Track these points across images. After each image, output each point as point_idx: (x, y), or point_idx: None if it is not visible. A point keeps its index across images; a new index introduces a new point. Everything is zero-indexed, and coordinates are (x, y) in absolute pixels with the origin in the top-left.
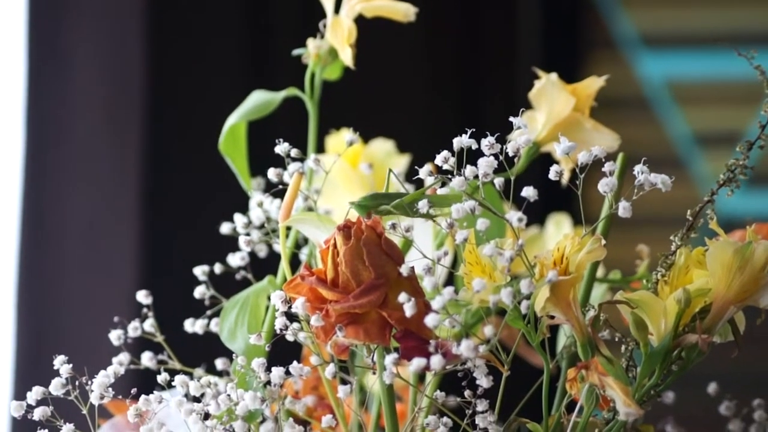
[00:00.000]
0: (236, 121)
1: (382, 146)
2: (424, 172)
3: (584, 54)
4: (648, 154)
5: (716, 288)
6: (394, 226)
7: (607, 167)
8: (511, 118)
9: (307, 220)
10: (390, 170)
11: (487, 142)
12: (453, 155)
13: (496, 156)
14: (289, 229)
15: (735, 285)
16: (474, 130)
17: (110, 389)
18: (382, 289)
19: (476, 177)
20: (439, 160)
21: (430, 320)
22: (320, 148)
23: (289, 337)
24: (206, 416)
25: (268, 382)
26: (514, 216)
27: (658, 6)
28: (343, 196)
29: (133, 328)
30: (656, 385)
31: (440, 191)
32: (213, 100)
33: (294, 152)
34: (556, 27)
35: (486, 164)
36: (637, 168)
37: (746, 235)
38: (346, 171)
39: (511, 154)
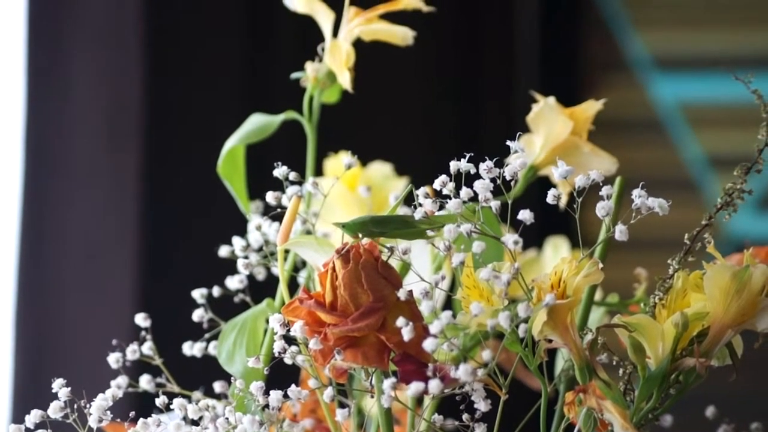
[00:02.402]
0: (235, 144)
1: (381, 169)
2: (421, 195)
3: (596, 76)
4: (661, 176)
5: (714, 312)
6: (391, 250)
7: (605, 191)
8: (509, 142)
9: (305, 243)
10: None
11: (486, 167)
12: (451, 179)
13: (494, 180)
14: (287, 252)
15: (732, 309)
16: (472, 154)
17: (108, 412)
18: (381, 313)
19: (472, 200)
20: (437, 184)
21: (428, 344)
22: (318, 171)
23: (288, 360)
24: None
25: (267, 405)
26: (509, 239)
27: (670, 28)
28: (341, 220)
29: (132, 351)
30: (654, 408)
31: (437, 215)
32: (211, 123)
33: (292, 175)
34: (564, 49)
35: (482, 187)
36: (635, 192)
37: (744, 259)
38: (344, 194)
39: (508, 177)
